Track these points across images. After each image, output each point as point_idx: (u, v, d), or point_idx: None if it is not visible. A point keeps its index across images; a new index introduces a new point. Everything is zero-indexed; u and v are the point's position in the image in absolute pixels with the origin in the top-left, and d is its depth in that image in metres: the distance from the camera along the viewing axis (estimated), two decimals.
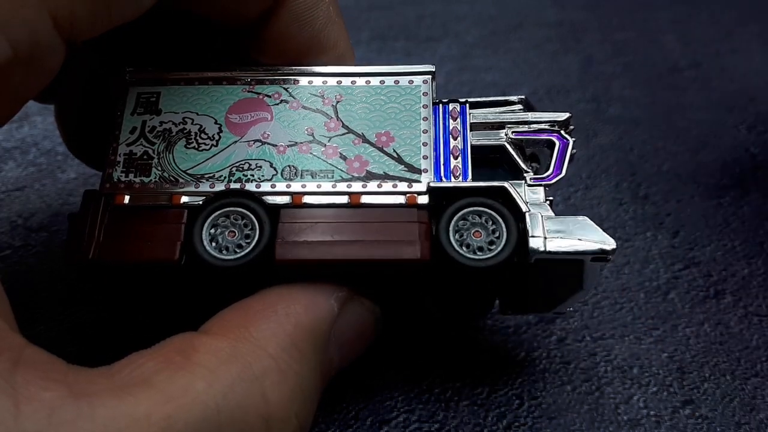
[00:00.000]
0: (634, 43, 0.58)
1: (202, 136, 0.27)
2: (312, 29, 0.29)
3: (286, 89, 0.28)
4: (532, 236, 0.25)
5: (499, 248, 0.25)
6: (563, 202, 0.43)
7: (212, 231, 0.25)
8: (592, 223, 0.26)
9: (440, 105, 0.28)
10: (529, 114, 0.29)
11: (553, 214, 0.26)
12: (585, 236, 0.25)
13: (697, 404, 0.30)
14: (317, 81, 0.29)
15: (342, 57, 0.30)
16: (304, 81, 0.28)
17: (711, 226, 0.40)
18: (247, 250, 0.25)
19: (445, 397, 0.31)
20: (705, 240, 0.39)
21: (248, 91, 0.28)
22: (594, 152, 0.48)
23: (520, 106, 0.29)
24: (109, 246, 0.25)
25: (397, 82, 0.28)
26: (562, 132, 0.28)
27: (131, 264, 0.25)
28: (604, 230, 0.26)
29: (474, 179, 0.27)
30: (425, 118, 0.28)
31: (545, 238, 0.25)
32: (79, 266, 0.25)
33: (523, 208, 0.26)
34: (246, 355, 0.22)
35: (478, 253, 0.25)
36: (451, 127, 0.28)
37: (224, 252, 0.25)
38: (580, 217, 0.26)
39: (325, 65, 0.29)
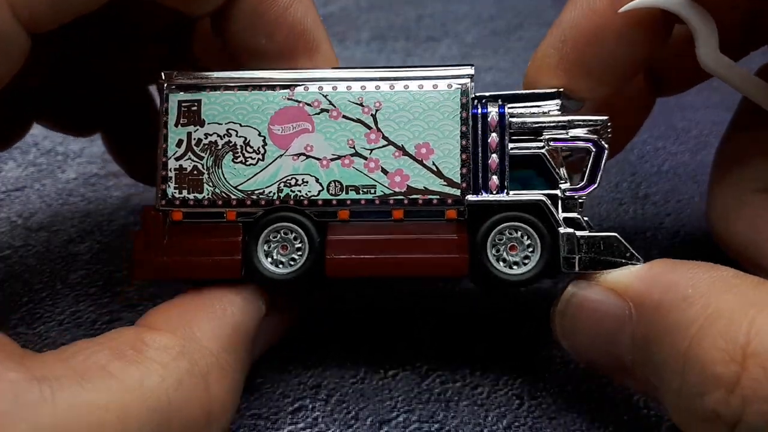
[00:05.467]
0: None
1: (248, 149, 0.28)
2: (278, 7, 0.28)
3: (324, 96, 0.28)
4: (564, 256, 0.27)
5: (533, 264, 0.27)
6: None
7: (266, 247, 0.28)
8: (622, 240, 0.27)
9: (479, 114, 0.28)
10: (567, 117, 0.28)
11: (585, 231, 0.27)
12: (613, 261, 0.27)
13: None
14: (356, 86, 0.28)
15: (316, 50, 0.29)
16: (342, 86, 0.28)
17: None
18: (299, 264, 0.28)
19: (445, 397, 0.31)
20: (705, 240, 0.39)
21: (288, 99, 0.28)
22: None
23: (557, 102, 0.29)
24: (174, 263, 0.28)
25: (435, 86, 0.28)
26: (599, 139, 0.28)
27: (197, 279, 0.28)
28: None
29: (510, 186, 0.28)
30: (464, 130, 0.28)
31: (577, 258, 0.27)
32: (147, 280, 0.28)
33: (557, 225, 0.27)
34: (193, 353, 0.25)
35: (513, 267, 0.27)
36: (489, 140, 0.28)
37: (279, 266, 0.28)
38: (611, 236, 0.27)
39: (302, 66, 0.29)
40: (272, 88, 0.28)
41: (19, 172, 0.46)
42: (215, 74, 0.29)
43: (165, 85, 0.29)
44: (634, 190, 0.44)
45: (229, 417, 0.26)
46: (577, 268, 0.27)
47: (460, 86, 0.28)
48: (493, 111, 0.28)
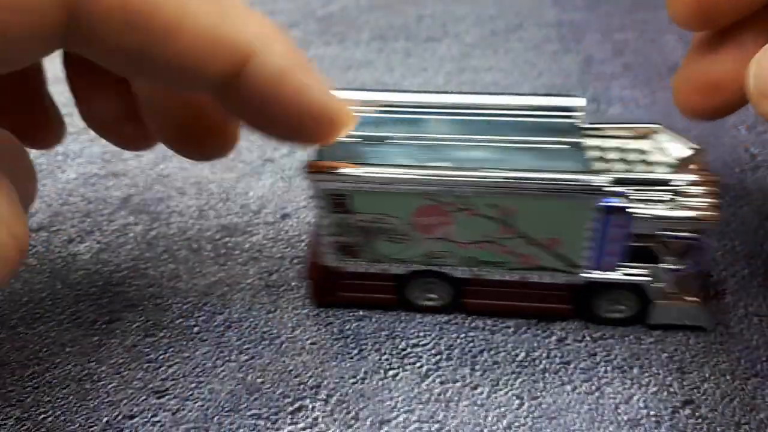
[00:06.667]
0: (634, 43, 0.58)
1: (396, 233, 0.32)
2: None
3: (462, 198, 0.30)
4: (650, 319, 0.33)
5: (629, 314, 0.34)
6: None
7: (416, 292, 0.34)
8: (702, 311, 0.33)
9: (605, 209, 0.30)
10: (685, 214, 0.30)
11: (670, 302, 0.33)
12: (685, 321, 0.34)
13: (697, 404, 0.30)
14: (490, 192, 0.30)
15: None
16: (478, 193, 0.30)
17: None
18: (442, 302, 0.35)
19: (445, 397, 0.31)
20: None
21: (427, 198, 0.31)
22: None
23: (676, 189, 0.30)
24: (349, 297, 0.35)
25: (572, 196, 0.30)
26: (703, 236, 0.31)
27: (367, 305, 0.35)
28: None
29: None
30: (591, 229, 0.31)
31: (658, 319, 0.33)
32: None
33: (651, 299, 0.33)
34: None
35: (615, 312, 0.34)
36: (611, 235, 0.31)
37: (426, 301, 0.35)
38: (692, 307, 0.33)
39: None
40: (411, 189, 0.31)
41: None
42: (356, 173, 0.30)
43: (316, 180, 0.31)
44: None
45: None
46: (658, 322, 0.33)
47: (594, 200, 0.30)
48: (619, 216, 0.30)
